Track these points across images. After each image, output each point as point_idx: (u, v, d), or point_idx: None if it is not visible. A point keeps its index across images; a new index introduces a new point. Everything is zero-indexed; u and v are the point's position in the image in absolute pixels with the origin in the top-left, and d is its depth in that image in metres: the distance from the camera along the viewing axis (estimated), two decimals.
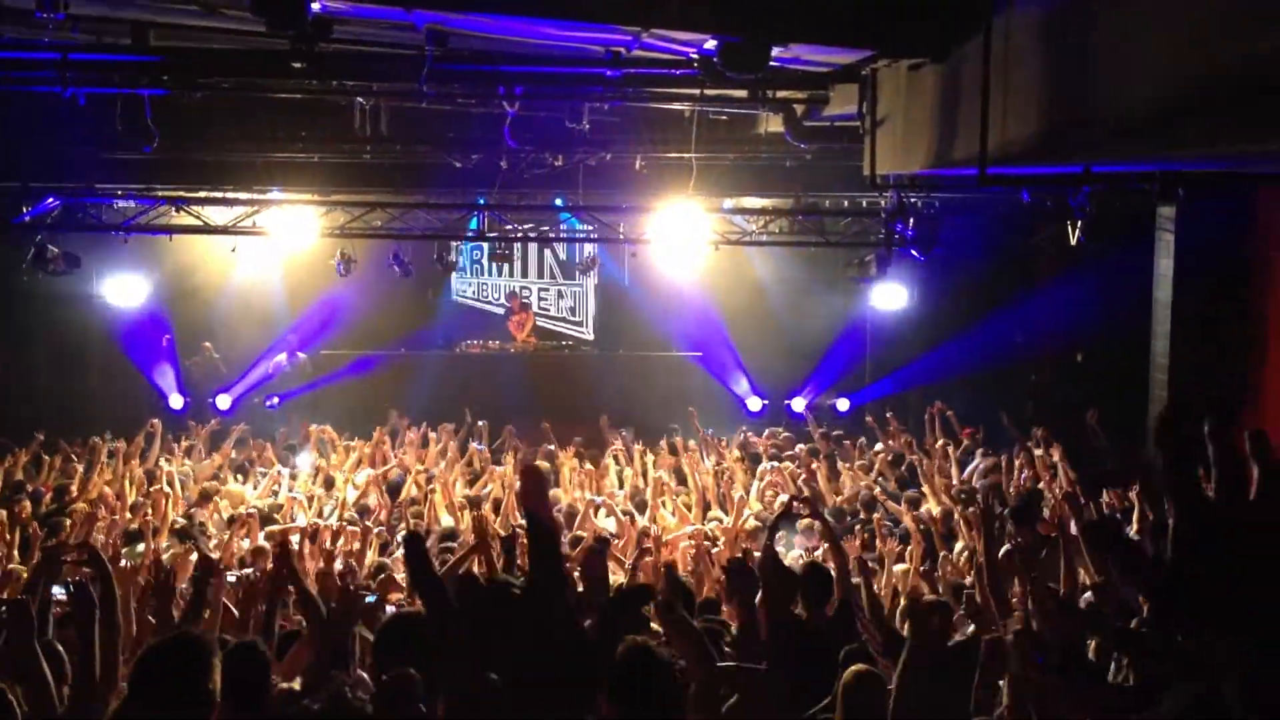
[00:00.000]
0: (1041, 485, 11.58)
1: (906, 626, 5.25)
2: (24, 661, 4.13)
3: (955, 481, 12.23)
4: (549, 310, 19.52)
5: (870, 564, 8.36)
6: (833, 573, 7.01)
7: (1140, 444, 13.67)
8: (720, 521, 10.75)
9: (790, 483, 11.84)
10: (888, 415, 15.00)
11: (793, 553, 10.03)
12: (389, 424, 15.06)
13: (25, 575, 8.01)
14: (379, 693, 4.45)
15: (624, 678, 3.75)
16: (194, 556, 8.49)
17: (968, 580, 8.31)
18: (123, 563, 8.58)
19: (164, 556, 9.61)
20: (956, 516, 10.12)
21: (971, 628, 7.07)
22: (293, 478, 12.74)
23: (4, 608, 4.26)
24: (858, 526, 10.64)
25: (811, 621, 6.71)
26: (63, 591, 5.70)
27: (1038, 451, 12.42)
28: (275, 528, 10.37)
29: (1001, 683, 5.07)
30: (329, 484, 12.53)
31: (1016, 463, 12.31)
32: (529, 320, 18.71)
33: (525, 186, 14.13)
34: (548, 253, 19.37)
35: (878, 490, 11.83)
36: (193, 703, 3.34)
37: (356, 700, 4.39)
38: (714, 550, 9.37)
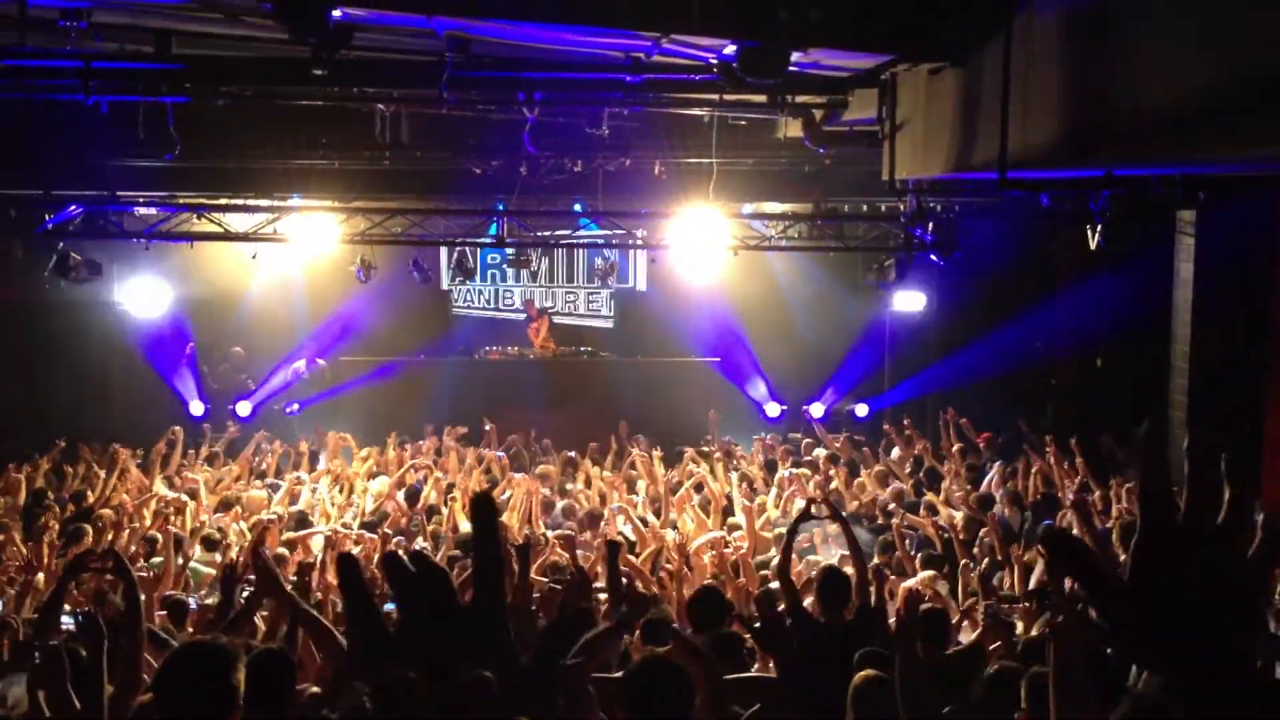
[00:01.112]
0: (1060, 494, 11.55)
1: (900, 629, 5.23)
2: (56, 704, 4.17)
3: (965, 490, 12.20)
4: (568, 314, 19.61)
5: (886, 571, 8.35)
6: (851, 577, 7.01)
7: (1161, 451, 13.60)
8: (740, 530, 10.73)
9: (808, 489, 11.83)
10: (904, 421, 14.97)
11: (811, 557, 10.03)
12: (428, 437, 14.95)
13: (47, 585, 8.08)
14: (374, 693, 4.43)
15: (638, 688, 3.76)
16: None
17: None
18: (144, 571, 8.65)
19: (195, 564, 9.70)
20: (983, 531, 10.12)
21: (974, 634, 7.07)
22: (313, 488, 12.74)
23: (38, 654, 4.28)
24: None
25: (829, 625, 6.71)
26: (73, 621, 5.73)
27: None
28: (293, 534, 10.39)
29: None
30: (348, 491, 12.57)
31: (1033, 469, 12.28)
32: (544, 326, 18.75)
33: (545, 192, 14.15)
34: (566, 258, 19.45)
35: (891, 504, 11.72)
36: (214, 710, 3.36)
37: None
38: (736, 555, 9.37)
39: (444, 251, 18.28)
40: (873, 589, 6.98)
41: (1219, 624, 1.57)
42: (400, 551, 6.12)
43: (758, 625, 6.02)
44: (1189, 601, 1.58)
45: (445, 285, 18.96)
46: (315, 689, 4.88)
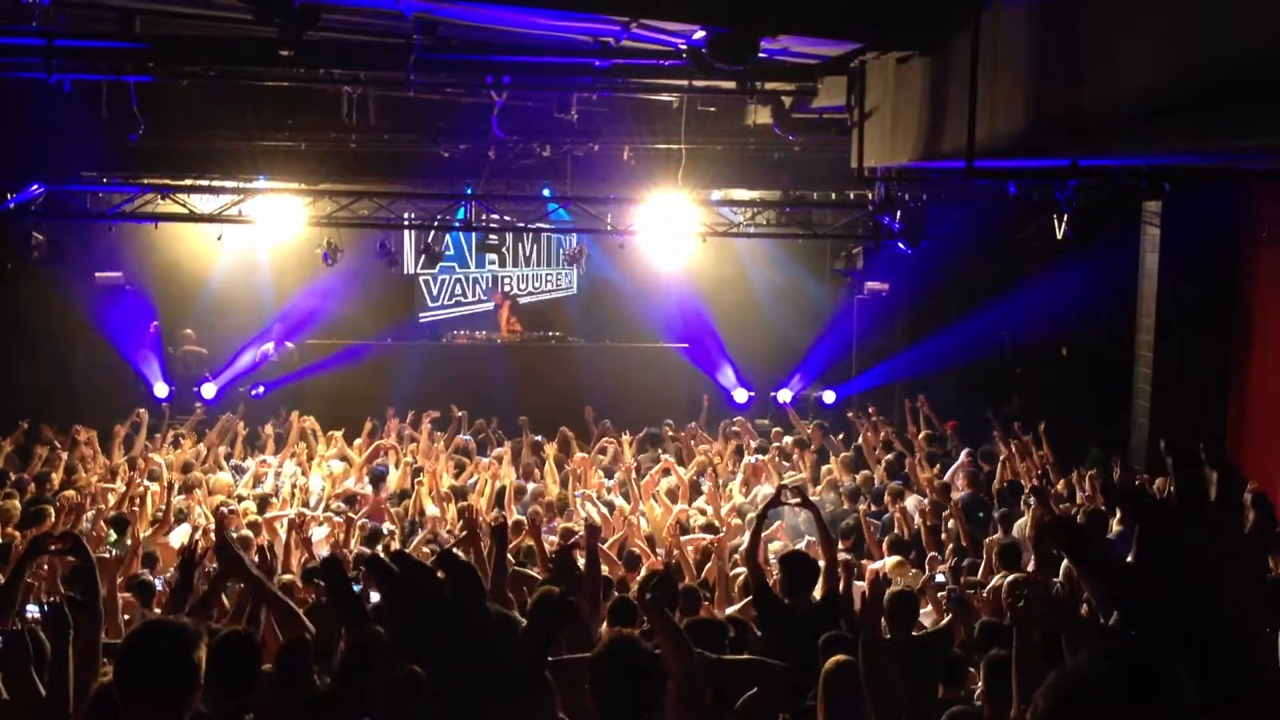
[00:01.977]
0: (1023, 480, 11.65)
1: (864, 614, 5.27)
2: (20, 687, 4.16)
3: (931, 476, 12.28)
4: (530, 299, 19.58)
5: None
6: (819, 562, 7.05)
7: (1123, 439, 13.76)
8: (704, 513, 10.75)
9: (775, 474, 11.86)
10: (869, 408, 15.04)
11: (779, 544, 10.06)
12: (387, 425, 14.86)
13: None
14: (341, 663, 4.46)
15: (606, 669, 3.76)
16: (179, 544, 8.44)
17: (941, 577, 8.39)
18: (105, 552, 8.59)
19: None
20: (945, 513, 10.19)
21: (945, 620, 7.12)
22: (277, 474, 12.65)
23: (2, 639, 4.28)
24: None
25: (797, 609, 6.75)
26: (38, 610, 5.70)
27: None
28: (259, 516, 10.34)
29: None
30: (311, 474, 12.54)
31: (1001, 457, 12.37)
32: (506, 308, 18.72)
33: (513, 177, 14.10)
34: (530, 242, 19.41)
35: (859, 490, 11.78)
36: (174, 687, 3.36)
37: (320, 682, 4.45)
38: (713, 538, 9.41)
39: (408, 236, 18.09)
40: (840, 573, 7.04)
41: (1227, 598, 1.59)
42: (381, 553, 6.12)
43: None
44: (1195, 579, 1.60)
45: (410, 270, 18.81)
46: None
